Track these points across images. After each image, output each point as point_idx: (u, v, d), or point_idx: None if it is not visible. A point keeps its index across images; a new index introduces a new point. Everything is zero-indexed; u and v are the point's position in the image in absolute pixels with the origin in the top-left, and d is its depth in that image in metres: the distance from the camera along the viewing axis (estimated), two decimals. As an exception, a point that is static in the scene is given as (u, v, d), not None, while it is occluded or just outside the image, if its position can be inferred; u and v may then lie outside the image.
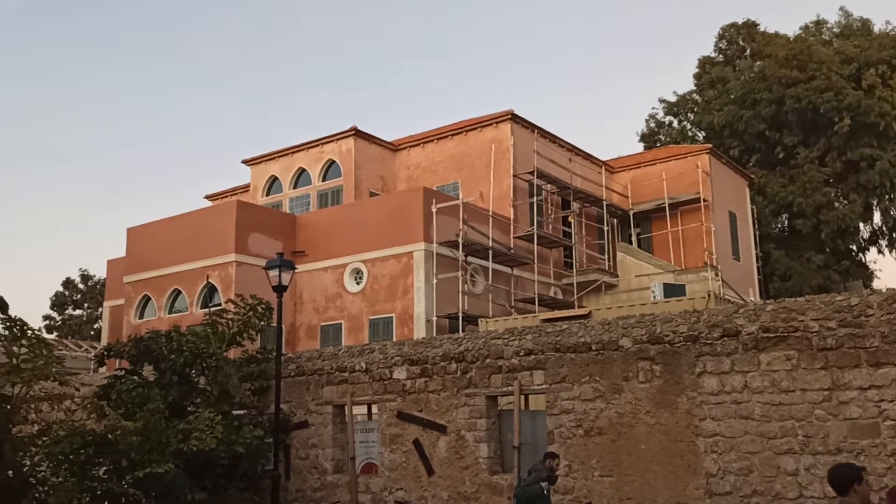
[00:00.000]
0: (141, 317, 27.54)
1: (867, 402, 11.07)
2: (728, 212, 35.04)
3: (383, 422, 15.29)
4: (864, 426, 11.09)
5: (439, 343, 15.13)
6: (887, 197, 41.91)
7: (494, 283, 26.29)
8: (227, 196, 35.26)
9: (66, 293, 56.28)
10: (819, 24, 46.07)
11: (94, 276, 55.53)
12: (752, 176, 39.51)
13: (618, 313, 19.60)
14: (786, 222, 42.60)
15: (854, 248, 44.23)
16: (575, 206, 31.39)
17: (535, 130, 30.13)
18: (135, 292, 27.80)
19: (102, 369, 27.12)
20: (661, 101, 48.64)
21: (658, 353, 12.77)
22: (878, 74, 40.08)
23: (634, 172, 35.06)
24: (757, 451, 11.75)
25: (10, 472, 12.10)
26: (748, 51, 46.67)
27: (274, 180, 32.20)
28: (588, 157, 33.60)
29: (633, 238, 34.21)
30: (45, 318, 53.79)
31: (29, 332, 12.53)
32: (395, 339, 22.47)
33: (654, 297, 22.97)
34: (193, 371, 15.99)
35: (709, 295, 20.05)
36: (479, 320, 22.59)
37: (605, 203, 32.08)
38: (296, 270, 16.42)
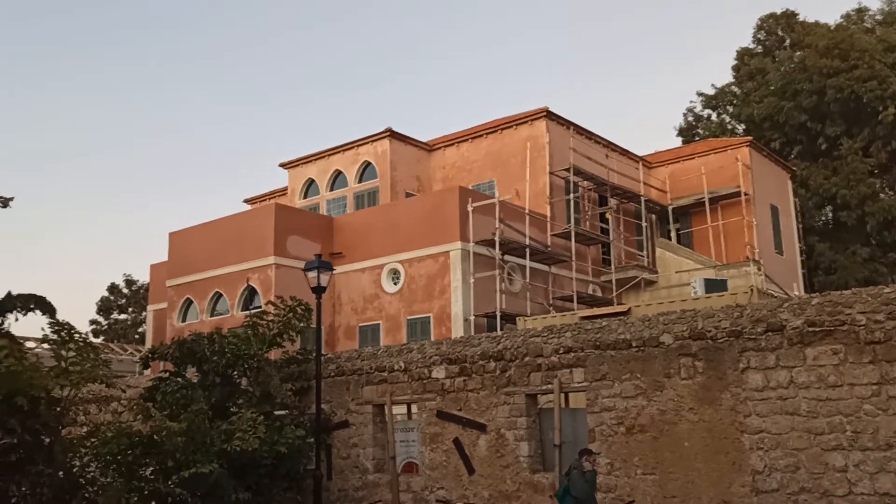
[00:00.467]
0: (184, 320, 27.97)
1: (918, 396, 10.80)
2: (770, 205, 34.43)
3: (423, 421, 15.32)
4: (915, 421, 10.82)
5: (478, 342, 15.11)
6: (934, 187, 40.87)
7: (532, 282, 26.18)
8: (265, 199, 35.65)
9: (112, 298, 57.43)
10: (861, 11, 45.07)
11: (138, 280, 56.61)
12: (794, 168, 38.77)
13: (658, 310, 19.36)
14: (830, 215, 41.74)
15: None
16: (612, 202, 31.12)
17: (571, 127, 29.93)
18: (177, 296, 28.25)
19: (147, 372, 27.68)
20: (699, 94, 48.09)
21: (700, 349, 12.60)
22: (924, 62, 39.08)
23: (673, 167, 34.64)
24: (804, 447, 11.52)
25: (61, 472, 12.36)
26: (788, 41, 45.85)
27: (311, 183, 32.47)
28: (625, 152, 33.29)
29: (673, 233, 33.79)
30: (92, 322, 54.92)
31: (76, 335, 12.80)
32: (432, 339, 22.49)
33: (696, 292, 22.64)
34: (235, 372, 16.18)
35: (752, 290, 19.69)
36: (517, 319, 22.50)
37: (643, 199, 31.75)
38: (334, 272, 16.52)
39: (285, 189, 33.77)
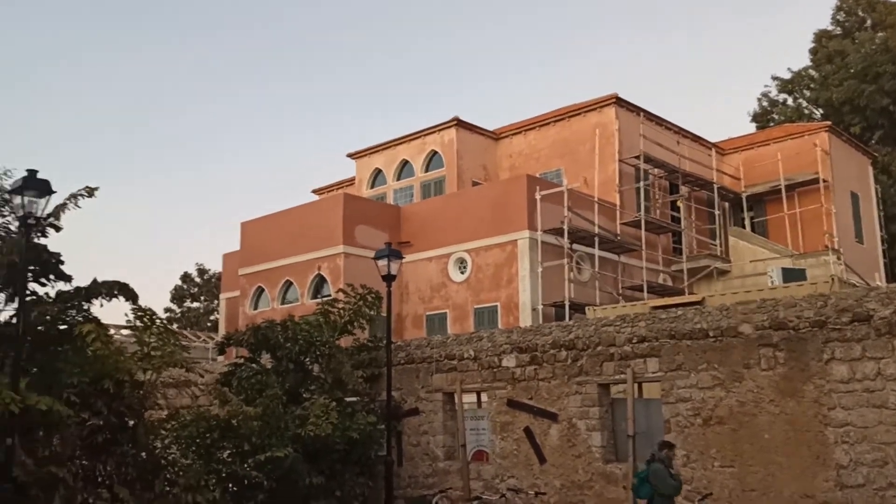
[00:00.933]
0: (255, 308, 28.56)
1: None
2: (850, 192, 33.22)
3: (493, 409, 15.29)
4: None
5: (549, 331, 14.99)
6: None
7: (601, 271, 25.84)
8: (332, 190, 36.08)
9: (185, 287, 59.11)
10: (948, -11, 42.96)
11: (210, 270, 58.11)
12: (876, 154, 37.27)
13: (733, 300, 18.87)
14: (913, 202, 39.97)
15: None
16: (684, 190, 30.46)
17: (641, 113, 29.37)
18: (249, 284, 28.85)
19: (219, 358, 28.36)
20: (774, 78, 46.66)
21: (782, 339, 12.23)
22: None
23: (747, 154, 33.69)
24: (892, 441, 11.10)
25: (144, 453, 12.72)
26: (868, 22, 44.03)
27: (378, 173, 32.71)
28: (697, 138, 32.52)
29: (747, 222, 32.91)
30: (166, 310, 56.59)
31: (157, 321, 13.16)
32: (500, 328, 22.42)
33: (773, 282, 21.99)
34: (307, 359, 16.44)
35: (833, 279, 19.04)
36: (587, 308, 22.25)
37: (715, 186, 30.98)
38: (404, 260, 16.57)
39: (353, 179, 34.10)
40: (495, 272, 25.02)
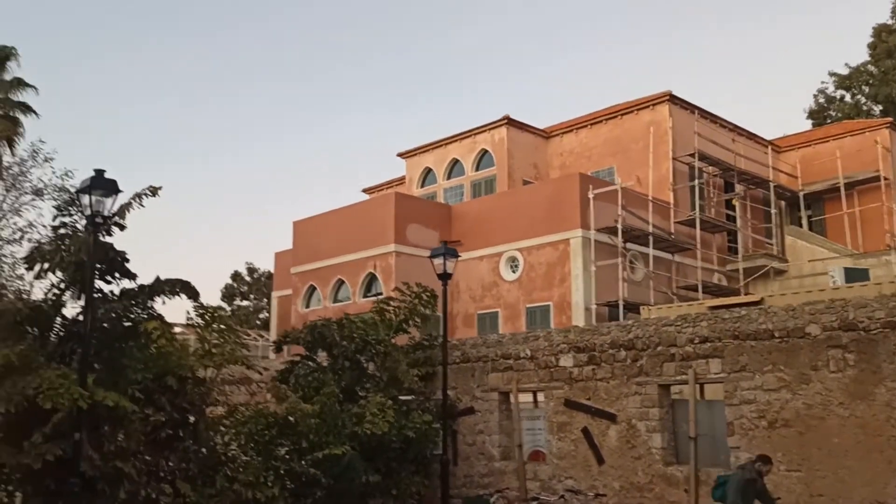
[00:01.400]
0: (307, 306, 28.80)
1: None
2: (912, 190, 32.16)
3: (550, 409, 15.15)
4: None
5: (607, 330, 14.80)
6: None
7: (655, 270, 25.46)
8: (383, 189, 36.22)
9: (235, 285, 59.97)
10: None
11: (259, 268, 58.87)
12: (939, 150, 36.05)
13: (792, 300, 18.39)
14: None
15: None
16: (739, 188, 29.85)
17: (695, 111, 28.87)
18: (301, 282, 29.11)
19: (271, 356, 28.65)
20: (832, 74, 45.44)
21: (851, 340, 11.87)
22: None
23: (804, 151, 32.89)
24: (971, 448, 10.67)
25: (204, 450, 12.89)
26: (930, 14, 42.62)
27: (428, 172, 32.73)
28: (752, 136, 31.85)
29: (804, 221, 32.11)
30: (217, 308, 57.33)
31: (218, 318, 13.32)
32: (552, 327, 22.23)
33: (835, 282, 21.37)
34: (363, 357, 16.48)
35: (899, 279, 18.43)
36: (641, 308, 21.94)
37: (771, 184, 30.30)
38: (459, 258, 16.52)
39: (403, 178, 34.18)
40: (547, 271, 24.83)
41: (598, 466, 14.27)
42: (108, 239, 12.63)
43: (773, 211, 30.39)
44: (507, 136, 30.09)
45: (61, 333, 12.65)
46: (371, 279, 26.53)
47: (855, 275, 22.01)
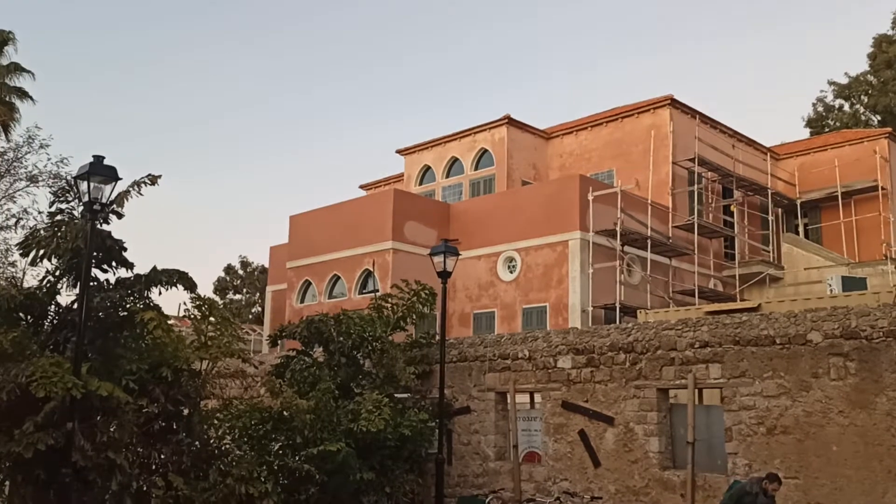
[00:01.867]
0: (302, 301, 28.63)
1: None
2: (909, 201, 32.20)
3: (547, 411, 15.05)
4: None
5: (606, 332, 14.70)
6: None
7: (652, 274, 25.40)
8: (380, 186, 36.07)
9: (228, 279, 59.66)
10: None
11: (253, 262, 58.61)
12: (937, 162, 36.13)
13: (790, 307, 18.38)
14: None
15: None
16: (737, 194, 29.81)
17: (696, 116, 28.82)
18: (296, 277, 28.93)
19: (263, 350, 28.47)
20: (831, 83, 45.52)
21: (853, 348, 11.81)
22: None
23: (802, 159, 32.88)
24: (972, 459, 10.62)
25: (198, 443, 12.73)
26: (931, 26, 42.73)
27: (427, 170, 32.59)
28: (751, 143, 31.83)
29: (801, 228, 32.10)
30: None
31: (216, 310, 13.17)
32: (548, 329, 22.13)
33: (832, 290, 21.37)
34: (360, 354, 16.35)
35: (897, 289, 18.40)
36: (638, 311, 21.89)
37: (769, 191, 30.25)
38: (459, 257, 16.40)
39: (401, 175, 34.03)
40: (545, 272, 24.74)
41: (594, 469, 14.18)
42: (105, 227, 12.48)
43: (770, 218, 30.36)
44: (507, 135, 29.98)
45: (55, 321, 12.50)
46: (367, 276, 26.38)
47: (852, 283, 22.03)
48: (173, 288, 13.15)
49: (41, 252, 12.40)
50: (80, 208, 12.45)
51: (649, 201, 26.09)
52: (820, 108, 45.86)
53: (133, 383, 11.84)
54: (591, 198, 24.31)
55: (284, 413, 14.25)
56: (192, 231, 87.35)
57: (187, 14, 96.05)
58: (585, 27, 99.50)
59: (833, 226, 31.06)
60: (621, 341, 14.28)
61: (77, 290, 12.09)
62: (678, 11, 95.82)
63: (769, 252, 30.41)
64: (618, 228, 24.24)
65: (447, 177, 31.71)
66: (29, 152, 24.66)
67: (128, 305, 12.55)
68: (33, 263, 12.63)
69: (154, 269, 12.93)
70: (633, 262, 25.47)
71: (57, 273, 12.50)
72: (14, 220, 24.03)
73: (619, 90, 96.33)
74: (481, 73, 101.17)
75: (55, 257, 12.38)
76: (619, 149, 29.24)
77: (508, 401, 15.69)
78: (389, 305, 16.77)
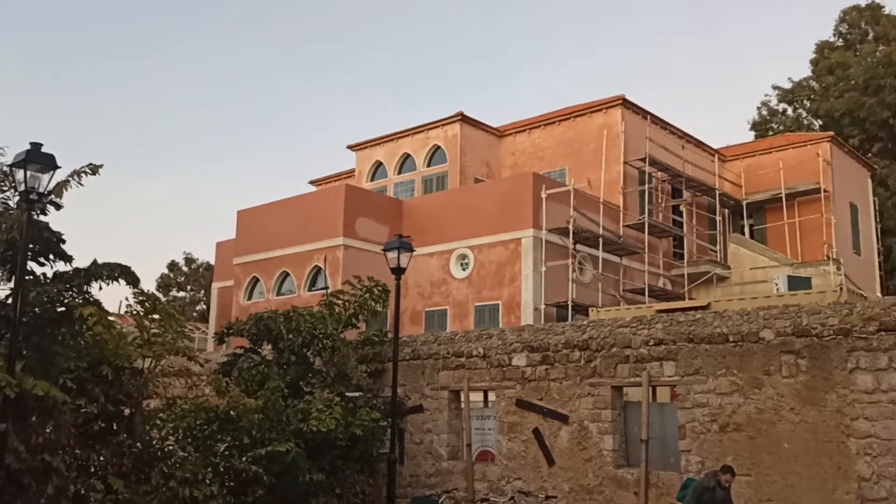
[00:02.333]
0: (249, 298, 28.01)
1: None
2: (849, 203, 33.12)
3: (501, 409, 14.89)
4: None
5: (561, 330, 14.61)
6: None
7: (603, 272, 25.51)
8: (331, 181, 35.56)
9: (171, 275, 58.35)
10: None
11: (197, 259, 57.42)
12: (875, 166, 37.21)
13: (739, 305, 18.60)
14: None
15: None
16: (686, 194, 30.20)
17: (647, 116, 29.07)
18: (244, 274, 28.30)
19: (209, 349, 27.76)
20: (775, 87, 46.60)
21: (804, 346, 11.91)
22: None
23: (748, 161, 33.52)
24: (919, 455, 10.78)
25: (140, 444, 12.23)
26: (871, 34, 44.00)
27: (379, 166, 32.23)
28: (700, 144, 32.29)
29: (746, 229, 32.70)
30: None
31: (160, 305, 12.67)
32: (500, 326, 22.05)
33: (778, 289, 21.75)
34: (310, 352, 15.96)
35: (841, 288, 18.79)
36: (590, 310, 21.94)
37: (717, 192, 30.74)
38: (414, 253, 16.13)
39: (352, 171, 33.60)
40: (498, 270, 24.64)
41: (548, 468, 14.06)
42: (43, 218, 11.88)
43: (717, 218, 30.83)
44: (460, 132, 29.82)
45: (-12, 317, 11.84)
46: (317, 272, 25.93)
47: (798, 283, 22.46)
48: (115, 283, 12.58)
49: (-28, 243, 11.72)
50: (16, 198, 11.83)
51: (601, 200, 26.21)
52: (764, 112, 46.89)
53: (71, 382, 11.28)
54: (544, 196, 24.30)
55: (231, 413, 13.80)
56: (133, 226, 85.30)
57: (138, 6, 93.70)
58: (541, 27, 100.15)
59: (777, 227, 31.73)
60: (576, 339, 14.19)
61: (12, 284, 11.46)
62: (629, 13, 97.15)
63: (716, 252, 30.88)
64: (570, 227, 24.28)
65: (399, 173, 31.41)
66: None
67: (66, 300, 11.93)
68: (-37, 256, 11.94)
69: (94, 262, 12.34)
70: (584, 260, 25.54)
71: (-10, 266, 11.86)
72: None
73: (570, 91, 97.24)
74: (434, 70, 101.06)
75: (-13, 249, 11.72)
76: (571, 148, 29.33)
77: (462, 399, 15.50)
78: (341, 302, 16.42)
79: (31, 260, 11.71)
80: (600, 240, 25.22)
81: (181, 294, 58.51)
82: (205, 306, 51.56)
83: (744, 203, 32.54)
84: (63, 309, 11.98)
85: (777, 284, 22.52)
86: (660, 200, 29.47)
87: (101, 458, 11.91)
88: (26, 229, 10.76)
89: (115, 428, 12.16)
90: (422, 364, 16.14)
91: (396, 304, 15.82)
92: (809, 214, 31.20)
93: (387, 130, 31.89)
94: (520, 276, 24.03)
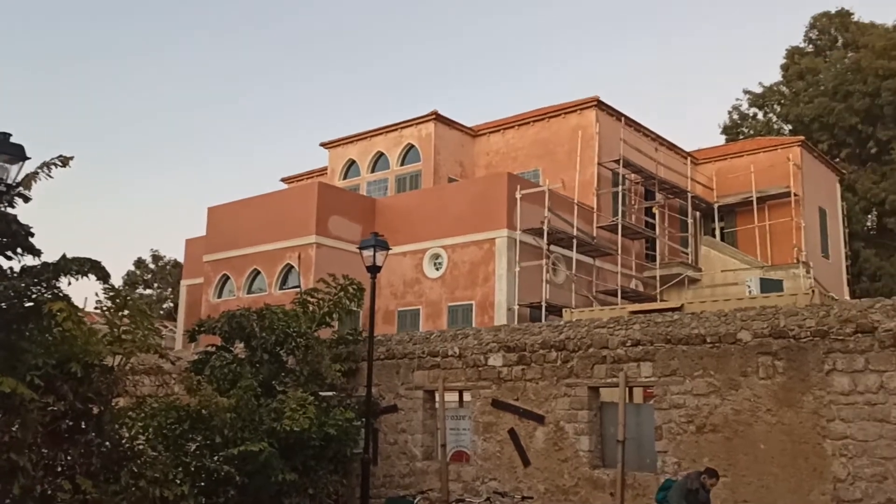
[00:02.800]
0: (220, 296, 27.62)
1: None
2: (818, 207, 33.59)
3: (476, 409, 14.79)
4: None
5: (538, 330, 14.55)
6: None
7: (577, 273, 25.55)
8: (303, 179, 35.22)
9: (138, 273, 57.49)
10: (919, 13, 43.91)
11: (165, 256, 56.63)
12: (843, 171, 37.82)
13: (713, 307, 18.68)
14: (876, 220, 40.75)
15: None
16: (659, 196, 30.38)
17: (621, 118, 29.20)
18: (214, 272, 27.90)
19: (177, 347, 27.31)
20: (746, 92, 47.17)
21: (781, 347, 11.96)
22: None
23: (720, 164, 33.85)
24: (893, 456, 10.87)
25: (109, 443, 11.91)
26: (841, 41, 44.76)
27: (352, 164, 31.99)
28: (672, 147, 32.52)
29: (717, 232, 33.03)
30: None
31: (130, 302, 12.34)
32: (476, 326, 21.95)
33: (750, 291, 21.96)
34: (283, 350, 15.73)
35: (813, 291, 19.00)
36: (564, 310, 21.93)
37: (689, 195, 30.98)
38: (390, 251, 15.97)
39: (324, 169, 33.31)
40: (471, 270, 24.56)
41: (523, 468, 13.99)
42: (10, 210, 11.51)
43: (689, 221, 31.07)
44: (434, 131, 29.69)
45: (-49, 313, 11.45)
46: (289, 271, 25.64)
47: (769, 285, 22.70)
48: (84, 278, 12.24)
49: (-65, 236, 11.34)
50: (-17, 189, 11.45)
51: (575, 201, 26.26)
52: (735, 116, 47.44)
53: (38, 379, 10.91)
54: (518, 196, 24.27)
55: (203, 412, 13.51)
56: (99, 223, 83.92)
57: (113, 5, 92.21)
58: (517, 30, 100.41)
59: (748, 230, 32.09)
60: (553, 339, 14.14)
61: (-23, 279, 11.12)
62: (603, 17, 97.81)
63: (688, 254, 31.13)
64: (545, 227, 24.28)
65: (372, 171, 31.20)
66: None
67: (34, 295, 11.55)
68: (-74, 249, 11.53)
69: (64, 256, 11.98)
70: (558, 261, 25.56)
71: (-46, 259, 11.47)
72: None
73: (545, 92, 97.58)
74: (409, 70, 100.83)
75: (-49, 242, 11.34)
76: (546, 148, 29.35)
77: (437, 399, 15.37)
78: (315, 301, 16.19)
79: (-1, 253, 11.37)
80: (574, 241, 25.26)
81: (148, 291, 57.69)
82: (172, 304, 50.86)
83: (715, 206, 32.86)
84: (31, 304, 11.63)
85: (750, 287, 22.76)
86: (633, 202, 29.64)
87: (69, 458, 11.54)
88: (-7, 222, 10.43)
89: (83, 426, 11.81)
90: (396, 363, 15.99)
91: (371, 303, 15.65)
92: (779, 218, 31.59)
93: (360, 129, 31.67)
94: (493, 276, 23.98)
